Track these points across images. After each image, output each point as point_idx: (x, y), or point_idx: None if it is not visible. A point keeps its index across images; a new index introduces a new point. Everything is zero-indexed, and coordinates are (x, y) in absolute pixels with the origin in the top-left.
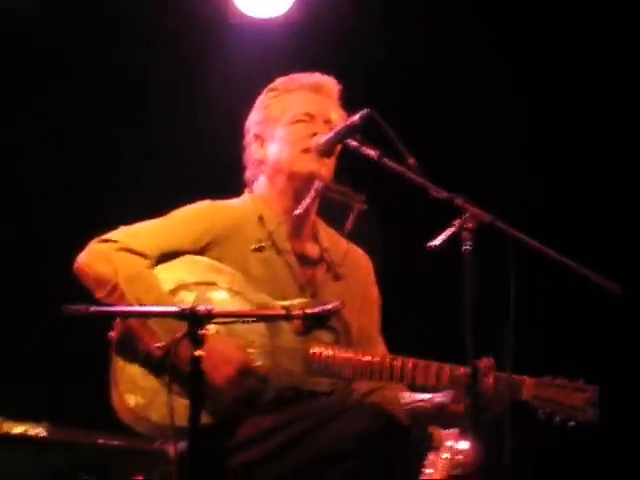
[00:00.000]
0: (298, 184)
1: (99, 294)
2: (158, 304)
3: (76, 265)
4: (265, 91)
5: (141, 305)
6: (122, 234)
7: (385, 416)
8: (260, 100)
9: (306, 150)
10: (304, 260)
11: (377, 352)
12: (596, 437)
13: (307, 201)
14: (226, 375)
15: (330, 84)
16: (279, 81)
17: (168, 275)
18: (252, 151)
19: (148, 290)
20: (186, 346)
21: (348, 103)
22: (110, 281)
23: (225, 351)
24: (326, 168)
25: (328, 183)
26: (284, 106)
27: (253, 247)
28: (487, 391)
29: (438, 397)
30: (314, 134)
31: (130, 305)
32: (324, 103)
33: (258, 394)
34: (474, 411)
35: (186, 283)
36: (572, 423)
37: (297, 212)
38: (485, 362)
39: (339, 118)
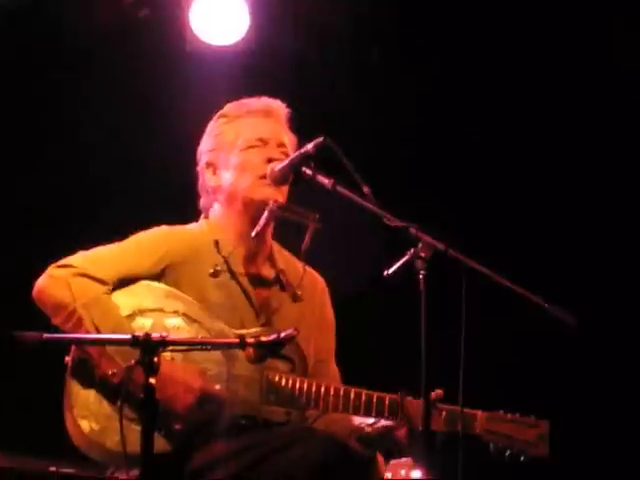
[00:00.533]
0: (254, 210)
1: (57, 319)
2: (116, 330)
3: (35, 290)
4: (215, 117)
5: (98, 331)
6: (80, 259)
7: (339, 446)
8: (211, 127)
9: (262, 177)
10: (259, 282)
11: (330, 377)
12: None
13: (262, 222)
14: (187, 404)
15: (279, 108)
16: (229, 107)
17: (125, 300)
18: (205, 179)
19: (106, 316)
20: (142, 373)
21: (301, 131)
22: (68, 307)
23: (187, 379)
24: (281, 194)
25: (282, 203)
26: (236, 132)
27: (210, 272)
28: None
29: (383, 422)
30: (269, 159)
31: (87, 331)
32: (275, 127)
33: (214, 420)
34: (425, 441)
35: (142, 309)
36: (523, 458)
37: (254, 233)
38: (434, 395)
39: (289, 142)
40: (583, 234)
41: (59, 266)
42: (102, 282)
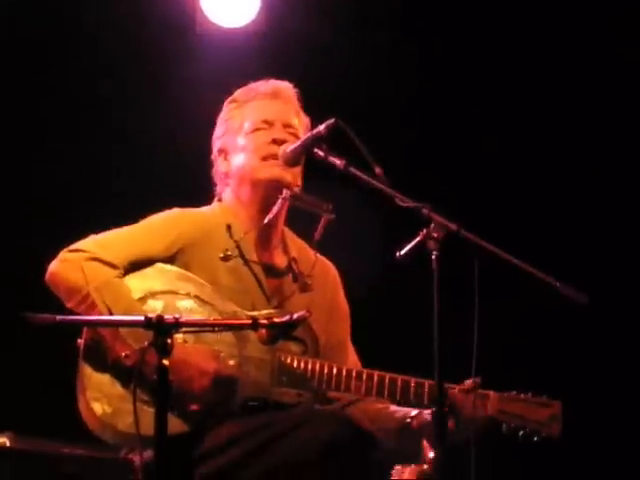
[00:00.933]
0: (262, 192)
1: (70, 303)
2: (127, 312)
3: (47, 274)
4: (225, 103)
5: (111, 313)
6: (91, 244)
7: (351, 426)
8: (222, 113)
9: (266, 157)
10: (271, 270)
11: (348, 363)
12: (559, 453)
13: (275, 209)
14: (202, 386)
15: (287, 89)
16: (238, 92)
17: (137, 283)
18: (218, 166)
19: (118, 298)
20: (155, 354)
21: (314, 113)
22: (81, 290)
23: (200, 362)
24: (290, 174)
25: (296, 192)
26: (243, 116)
27: (220, 255)
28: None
29: (426, 413)
30: (273, 140)
31: (100, 313)
32: (282, 108)
33: (229, 400)
34: (439, 423)
35: (154, 291)
36: (536, 438)
37: (266, 220)
38: (469, 383)
39: (300, 122)
40: (595, 211)
41: (71, 250)
42: (113, 266)
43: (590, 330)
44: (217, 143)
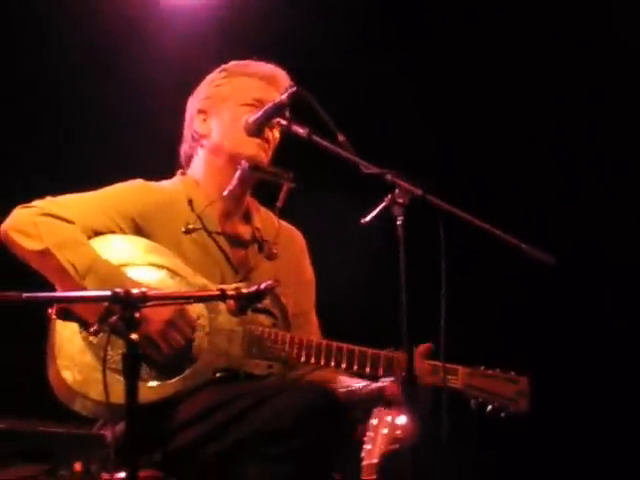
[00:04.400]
0: (236, 166)
1: (33, 246)
2: (93, 265)
3: (2, 230)
4: (217, 70)
5: (75, 269)
6: (47, 202)
7: (325, 393)
8: (210, 78)
9: (252, 135)
10: (235, 241)
11: (312, 333)
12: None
13: (234, 181)
14: (163, 317)
15: (283, 77)
16: (233, 63)
17: (108, 253)
18: (194, 125)
19: (80, 254)
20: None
21: None
22: (37, 245)
23: (156, 309)
24: (266, 154)
25: (255, 163)
26: (234, 87)
27: (182, 229)
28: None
29: (375, 384)
30: None
31: (63, 270)
32: (274, 95)
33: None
34: (409, 388)
35: (126, 262)
36: (503, 414)
37: (226, 192)
38: (422, 348)
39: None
40: (562, 173)
41: (24, 207)
42: (69, 221)
43: (558, 300)
44: (197, 103)
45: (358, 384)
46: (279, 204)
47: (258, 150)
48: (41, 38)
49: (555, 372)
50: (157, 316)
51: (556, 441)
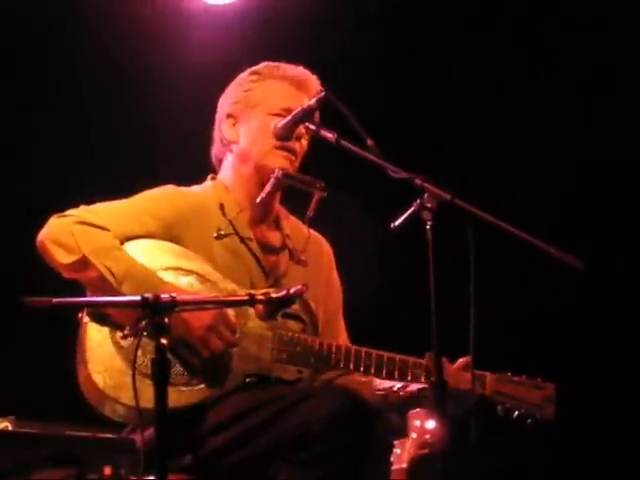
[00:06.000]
0: (264, 176)
1: (67, 260)
2: (129, 270)
3: (38, 240)
4: (247, 72)
5: (112, 273)
6: (81, 210)
7: (354, 398)
8: (241, 79)
9: (279, 147)
10: (266, 248)
11: (341, 339)
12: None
13: (268, 188)
14: (203, 325)
15: (313, 82)
16: (264, 65)
17: (141, 259)
18: (223, 129)
19: (116, 259)
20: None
21: None
22: (73, 255)
23: (197, 314)
24: (292, 166)
25: (287, 172)
26: (264, 94)
27: (214, 235)
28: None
29: (415, 385)
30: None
31: (102, 276)
32: (303, 101)
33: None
34: (438, 392)
35: (158, 267)
36: (530, 420)
37: (258, 199)
38: (464, 361)
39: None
40: (592, 180)
41: (60, 216)
42: (104, 229)
43: (586, 306)
44: (227, 107)
45: (397, 385)
46: (310, 213)
47: (284, 162)
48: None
49: (582, 380)
50: (198, 322)
51: (582, 448)
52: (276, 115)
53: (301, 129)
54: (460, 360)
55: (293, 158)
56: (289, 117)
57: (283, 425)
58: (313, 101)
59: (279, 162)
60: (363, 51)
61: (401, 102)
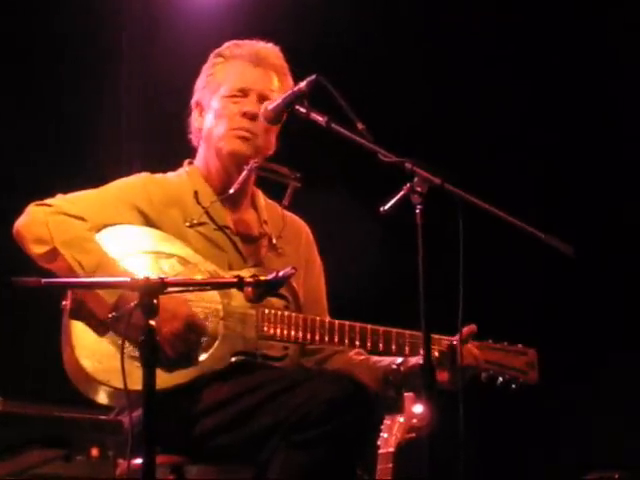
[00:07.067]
0: (224, 162)
1: (38, 250)
2: (100, 266)
3: (15, 228)
4: (212, 55)
5: (81, 267)
6: (59, 199)
7: (352, 382)
8: (207, 63)
9: (233, 128)
10: (244, 234)
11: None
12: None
13: (241, 179)
14: (173, 329)
15: (270, 54)
16: (225, 46)
17: (122, 243)
18: (192, 116)
19: (87, 252)
20: (139, 314)
21: (299, 72)
22: (45, 245)
23: (173, 307)
24: (250, 148)
25: (262, 163)
26: (225, 76)
27: (187, 224)
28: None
29: (414, 360)
30: (244, 113)
31: (70, 269)
32: (261, 76)
33: (196, 349)
34: (427, 376)
35: (135, 252)
36: (514, 385)
37: (231, 191)
38: (466, 329)
39: (282, 87)
40: (581, 163)
41: (37, 204)
42: (81, 218)
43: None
44: (197, 94)
45: (397, 360)
46: (285, 203)
47: (238, 144)
48: None
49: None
50: (166, 327)
51: (565, 413)
52: (232, 97)
53: (251, 109)
54: (464, 329)
55: (249, 136)
56: (279, 99)
57: (287, 402)
58: (303, 84)
59: (230, 144)
60: (353, 38)
61: (390, 88)
